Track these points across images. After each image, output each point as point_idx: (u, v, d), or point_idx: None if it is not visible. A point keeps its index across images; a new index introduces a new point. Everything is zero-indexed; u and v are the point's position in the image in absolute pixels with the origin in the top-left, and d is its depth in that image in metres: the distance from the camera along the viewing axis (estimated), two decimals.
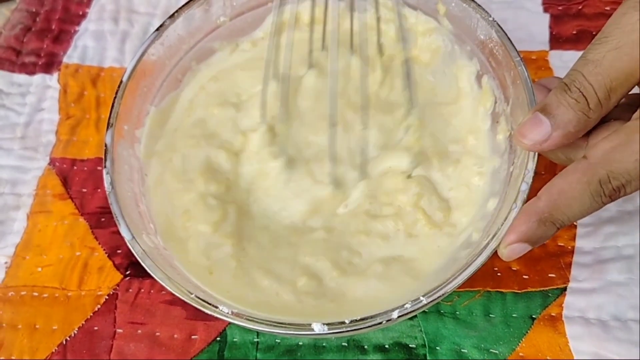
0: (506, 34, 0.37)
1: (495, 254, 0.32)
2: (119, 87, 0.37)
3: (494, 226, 0.33)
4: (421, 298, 0.31)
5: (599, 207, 0.30)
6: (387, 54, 0.42)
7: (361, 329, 0.31)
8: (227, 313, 0.31)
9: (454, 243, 0.36)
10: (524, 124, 0.32)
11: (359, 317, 0.31)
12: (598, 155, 0.30)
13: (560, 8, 0.49)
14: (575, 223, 0.39)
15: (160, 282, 0.32)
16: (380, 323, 0.31)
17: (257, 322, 0.31)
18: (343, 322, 0.30)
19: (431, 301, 0.31)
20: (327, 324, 0.30)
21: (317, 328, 0.30)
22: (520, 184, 0.32)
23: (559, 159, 0.34)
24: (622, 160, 0.29)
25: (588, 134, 0.32)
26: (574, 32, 0.47)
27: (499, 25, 0.37)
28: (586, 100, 0.31)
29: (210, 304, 0.32)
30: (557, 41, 0.47)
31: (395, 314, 0.31)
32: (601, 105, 0.31)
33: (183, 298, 0.32)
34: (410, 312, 0.31)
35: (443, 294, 0.31)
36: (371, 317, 0.31)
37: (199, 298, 0.32)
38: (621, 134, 0.30)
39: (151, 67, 0.39)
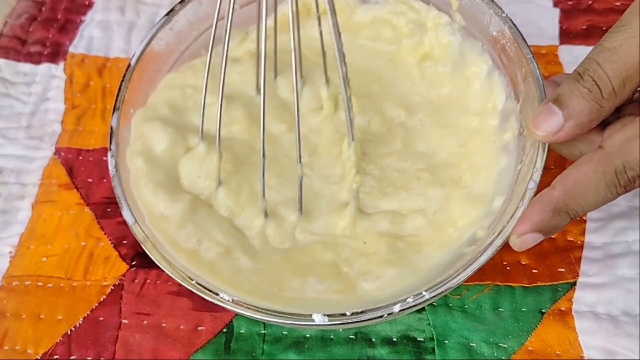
0: (519, 31, 0.36)
1: (500, 250, 0.32)
2: (126, 70, 0.37)
3: (499, 224, 0.33)
4: (423, 293, 0.31)
5: (613, 197, 0.30)
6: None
7: (362, 321, 0.31)
8: (228, 300, 0.31)
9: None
10: (537, 115, 0.32)
11: (360, 310, 0.31)
12: (614, 145, 0.30)
13: (570, 3, 0.48)
14: (584, 218, 0.39)
15: (160, 266, 0.32)
16: (381, 316, 0.31)
17: (258, 310, 0.31)
18: (344, 314, 0.30)
19: (433, 296, 0.31)
20: (328, 315, 0.30)
21: (318, 319, 0.30)
22: (528, 182, 0.32)
23: (573, 155, 0.34)
24: (638, 150, 0.29)
25: (603, 128, 0.32)
26: (584, 27, 0.47)
27: (512, 22, 0.37)
28: (599, 89, 0.30)
29: (211, 291, 0.31)
30: (567, 36, 0.47)
31: (397, 308, 0.30)
32: (615, 94, 0.30)
33: (184, 284, 0.32)
34: (412, 306, 0.31)
35: (446, 290, 0.31)
36: (372, 310, 0.31)
37: (200, 285, 0.32)
38: (637, 124, 0.30)
39: (160, 51, 0.39)
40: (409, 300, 0.31)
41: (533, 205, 0.31)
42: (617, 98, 0.30)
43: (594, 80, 0.30)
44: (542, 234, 0.31)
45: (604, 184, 0.30)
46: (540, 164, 0.33)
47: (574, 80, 0.31)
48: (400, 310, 0.31)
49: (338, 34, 0.33)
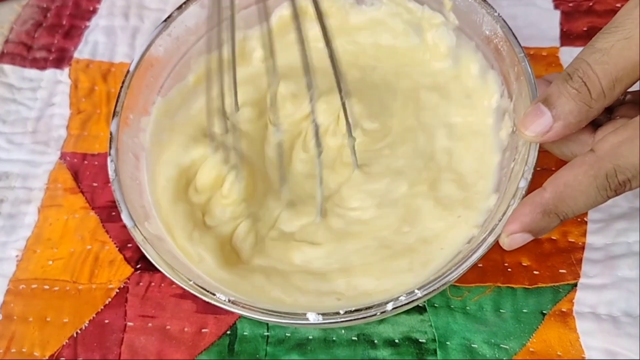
0: (511, 30, 0.37)
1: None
2: (125, 76, 0.38)
3: (492, 222, 0.33)
4: (416, 291, 0.31)
5: (603, 200, 0.30)
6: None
7: (355, 319, 0.31)
8: (224, 301, 0.32)
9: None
10: (526, 115, 0.32)
11: (353, 309, 0.31)
12: (605, 149, 0.30)
13: (571, 5, 0.49)
14: (585, 219, 0.39)
15: (159, 267, 0.33)
16: (374, 315, 0.31)
17: (254, 310, 0.31)
18: (337, 313, 0.31)
19: (426, 294, 0.31)
20: (322, 314, 0.31)
21: (312, 318, 0.31)
22: (519, 180, 0.33)
23: (565, 155, 0.34)
24: (629, 154, 0.29)
25: (594, 128, 0.32)
26: (585, 29, 0.47)
27: (504, 21, 0.37)
28: (588, 90, 0.30)
29: (207, 291, 0.32)
30: (568, 38, 0.47)
31: (389, 306, 0.31)
32: (604, 95, 0.30)
33: (181, 285, 0.32)
34: (404, 304, 0.31)
35: (439, 288, 0.31)
36: (365, 308, 0.31)
37: (197, 285, 0.32)
38: (629, 128, 0.30)
39: (159, 57, 0.40)
40: (402, 298, 0.31)
41: (523, 205, 0.31)
42: (606, 99, 0.31)
43: (583, 81, 0.30)
44: (532, 234, 0.31)
45: (594, 187, 0.30)
46: (531, 162, 0.33)
47: (562, 81, 0.31)
48: (394, 309, 0.31)
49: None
